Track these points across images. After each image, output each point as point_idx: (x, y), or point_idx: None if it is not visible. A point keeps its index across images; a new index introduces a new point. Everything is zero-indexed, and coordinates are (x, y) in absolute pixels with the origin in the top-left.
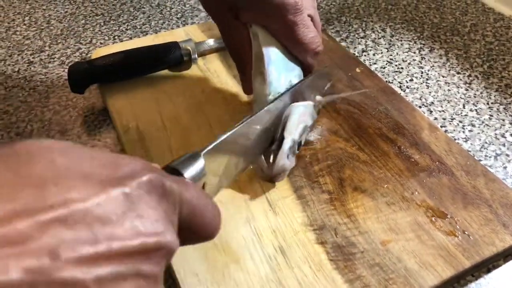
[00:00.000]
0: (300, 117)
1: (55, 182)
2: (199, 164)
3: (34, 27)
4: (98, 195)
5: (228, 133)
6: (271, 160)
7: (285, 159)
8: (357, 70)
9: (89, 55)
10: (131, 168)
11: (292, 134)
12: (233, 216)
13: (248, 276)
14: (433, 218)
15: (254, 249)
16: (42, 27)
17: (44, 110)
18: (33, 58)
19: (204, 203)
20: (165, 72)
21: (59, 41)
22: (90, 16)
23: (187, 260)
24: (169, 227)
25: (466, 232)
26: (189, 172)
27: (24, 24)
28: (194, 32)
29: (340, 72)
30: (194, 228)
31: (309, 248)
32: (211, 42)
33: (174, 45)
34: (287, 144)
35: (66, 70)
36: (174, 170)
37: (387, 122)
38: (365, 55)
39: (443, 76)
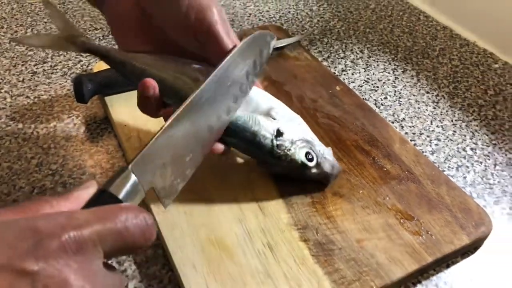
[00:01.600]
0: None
1: None
2: (131, 180)
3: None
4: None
5: (155, 138)
6: (325, 169)
7: (331, 157)
8: (337, 88)
9: (89, 67)
10: (37, 241)
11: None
12: (227, 217)
13: (240, 268)
14: (401, 220)
15: (245, 245)
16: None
17: (49, 118)
18: (36, 68)
19: (131, 224)
20: None
21: (60, 53)
22: (89, 30)
23: (186, 253)
24: (90, 278)
25: (429, 232)
26: (124, 192)
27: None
28: None
29: (322, 89)
30: (126, 246)
31: (293, 245)
32: None
33: None
34: (319, 151)
35: (69, 81)
36: (109, 195)
37: (363, 135)
38: (344, 74)
39: (414, 95)
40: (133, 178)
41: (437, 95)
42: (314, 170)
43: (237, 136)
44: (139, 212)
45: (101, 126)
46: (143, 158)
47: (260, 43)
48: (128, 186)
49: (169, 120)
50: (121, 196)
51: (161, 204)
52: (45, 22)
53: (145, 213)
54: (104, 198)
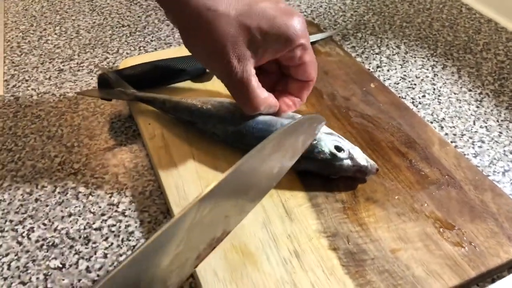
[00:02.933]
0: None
1: None
2: None
3: (64, 36)
4: None
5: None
6: (360, 161)
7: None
8: (372, 85)
9: (116, 64)
10: None
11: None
12: (251, 220)
13: (264, 277)
14: (441, 229)
15: (270, 252)
16: (72, 37)
17: (74, 116)
18: (63, 66)
19: None
20: (188, 83)
21: (87, 50)
22: (116, 27)
23: (207, 259)
24: None
25: (472, 244)
26: None
27: (55, 34)
28: None
29: (355, 87)
30: None
31: (322, 253)
32: None
33: None
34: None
35: (95, 78)
36: None
37: (399, 136)
38: (379, 71)
39: (455, 93)
40: None
41: (481, 93)
42: (347, 162)
43: (259, 138)
44: None
45: (125, 125)
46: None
47: (306, 130)
48: None
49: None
50: None
51: None
52: (73, 20)
53: None
54: None
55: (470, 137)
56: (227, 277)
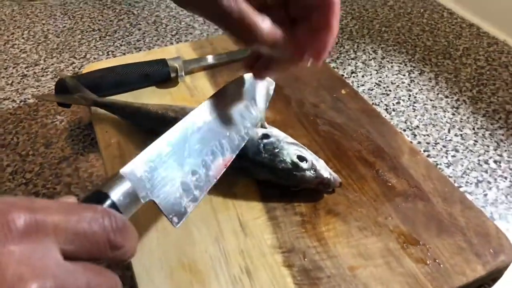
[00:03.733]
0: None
1: None
2: (124, 184)
3: (32, 40)
4: None
5: (152, 145)
6: (323, 173)
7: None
8: (343, 91)
9: (81, 69)
10: None
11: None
12: (202, 235)
13: None
14: (404, 244)
15: (220, 270)
16: (40, 41)
17: (32, 123)
18: (27, 71)
19: (97, 225)
20: (152, 88)
21: (54, 55)
22: (87, 31)
23: (152, 278)
24: (53, 267)
25: (437, 260)
26: (117, 194)
27: (23, 38)
28: (186, 50)
29: (325, 93)
30: (86, 248)
31: (275, 270)
32: (210, 58)
33: (162, 62)
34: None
35: None
36: (102, 194)
37: (367, 145)
38: (353, 76)
39: (431, 100)
40: (126, 182)
41: (458, 99)
42: (309, 173)
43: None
44: (110, 214)
45: (84, 132)
46: (136, 164)
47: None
48: (121, 189)
49: (167, 132)
50: (113, 196)
51: (170, 222)
52: (43, 24)
53: (117, 217)
54: (96, 197)
55: (444, 146)
56: None
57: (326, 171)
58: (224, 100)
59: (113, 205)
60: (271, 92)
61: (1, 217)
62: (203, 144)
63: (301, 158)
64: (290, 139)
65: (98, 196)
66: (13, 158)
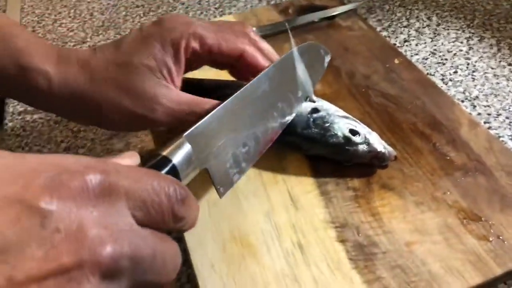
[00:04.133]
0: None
1: None
2: (185, 149)
3: (78, 19)
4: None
5: (211, 113)
6: (376, 147)
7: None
8: (396, 61)
9: None
10: (56, 176)
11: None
12: (253, 209)
13: (263, 270)
14: (464, 220)
15: (272, 243)
16: (85, 19)
17: None
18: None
19: (164, 194)
20: None
21: (100, 32)
22: (131, 8)
23: (205, 250)
24: (131, 233)
25: (500, 237)
26: (178, 158)
27: (69, 17)
28: None
29: (377, 64)
30: (153, 215)
31: (328, 245)
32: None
33: None
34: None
35: None
36: (163, 158)
37: (423, 117)
38: (406, 45)
39: (492, 68)
40: (187, 146)
41: None
42: (362, 147)
43: None
44: (174, 184)
45: None
46: (198, 129)
47: (313, 57)
48: (182, 153)
49: (227, 101)
50: (175, 160)
51: (217, 192)
52: (88, 2)
53: (181, 188)
54: (157, 161)
55: (507, 117)
56: (224, 270)
57: (380, 145)
58: (281, 72)
59: (175, 171)
60: (326, 64)
61: (78, 178)
62: (256, 116)
63: (354, 132)
64: (342, 112)
65: (161, 161)
66: (66, 134)
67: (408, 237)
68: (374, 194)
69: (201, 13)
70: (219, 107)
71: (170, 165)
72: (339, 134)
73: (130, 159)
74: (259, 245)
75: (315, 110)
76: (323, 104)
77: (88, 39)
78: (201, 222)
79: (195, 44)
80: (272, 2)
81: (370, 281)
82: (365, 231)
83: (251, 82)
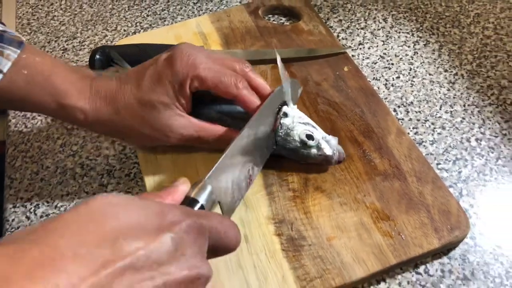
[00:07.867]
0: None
1: (123, 236)
2: (208, 190)
3: (69, 12)
4: (154, 242)
5: (226, 152)
6: (326, 151)
7: (335, 142)
8: (345, 68)
9: (113, 42)
10: (174, 215)
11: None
12: None
13: None
14: (376, 219)
15: None
16: (75, 12)
17: None
18: (67, 45)
19: (226, 225)
20: None
21: (89, 27)
22: (116, 1)
23: None
24: (204, 259)
25: (401, 234)
26: (203, 198)
27: (61, 9)
28: (205, 22)
29: (329, 71)
30: (221, 247)
31: (267, 238)
32: (239, 52)
33: None
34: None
35: None
36: (192, 199)
37: (359, 125)
38: (360, 49)
39: (430, 74)
40: (209, 188)
41: (456, 73)
42: (314, 151)
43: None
44: (225, 218)
45: None
46: (215, 172)
47: (292, 89)
48: (205, 194)
49: (234, 140)
50: (201, 201)
51: None
52: None
53: (230, 220)
54: (189, 202)
55: (433, 123)
56: None
57: (329, 149)
58: (264, 118)
59: (202, 209)
60: (299, 95)
61: (184, 222)
62: (249, 156)
63: (309, 137)
64: (305, 118)
65: (191, 202)
66: (61, 131)
67: (330, 232)
68: (308, 195)
69: (181, 8)
70: (228, 148)
71: (199, 205)
72: (297, 138)
73: (186, 185)
74: None
75: (285, 114)
76: (291, 111)
77: (78, 35)
78: None
79: (197, 84)
80: (245, 1)
81: (295, 268)
82: (298, 226)
83: (249, 124)
